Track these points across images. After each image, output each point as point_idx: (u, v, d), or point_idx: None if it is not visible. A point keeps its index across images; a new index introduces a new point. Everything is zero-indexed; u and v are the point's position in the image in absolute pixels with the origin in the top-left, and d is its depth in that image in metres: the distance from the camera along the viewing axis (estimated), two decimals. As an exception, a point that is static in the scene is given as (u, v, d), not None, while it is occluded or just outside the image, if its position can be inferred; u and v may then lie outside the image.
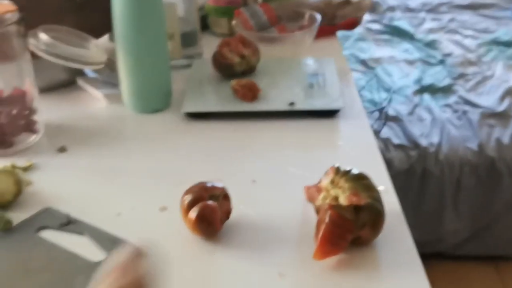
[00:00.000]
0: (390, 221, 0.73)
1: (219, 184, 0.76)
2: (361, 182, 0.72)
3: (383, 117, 1.90)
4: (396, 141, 1.89)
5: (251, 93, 1.01)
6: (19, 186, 0.81)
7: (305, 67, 1.13)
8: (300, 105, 1.00)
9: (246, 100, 1.01)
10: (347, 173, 0.73)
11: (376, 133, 1.88)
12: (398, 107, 2.05)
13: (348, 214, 0.68)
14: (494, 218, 1.92)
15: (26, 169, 0.89)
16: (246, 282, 0.67)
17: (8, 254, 0.73)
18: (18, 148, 0.94)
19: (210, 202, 0.72)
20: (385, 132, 1.92)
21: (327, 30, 1.33)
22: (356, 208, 0.69)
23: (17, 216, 0.78)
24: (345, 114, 1.01)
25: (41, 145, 0.96)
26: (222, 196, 0.74)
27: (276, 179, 0.85)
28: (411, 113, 2.03)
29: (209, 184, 0.75)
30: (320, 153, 0.91)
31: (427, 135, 1.92)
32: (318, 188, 0.76)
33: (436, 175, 1.87)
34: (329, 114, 1.00)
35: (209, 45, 1.20)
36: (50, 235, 0.76)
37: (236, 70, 1.09)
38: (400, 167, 1.86)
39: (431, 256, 1.97)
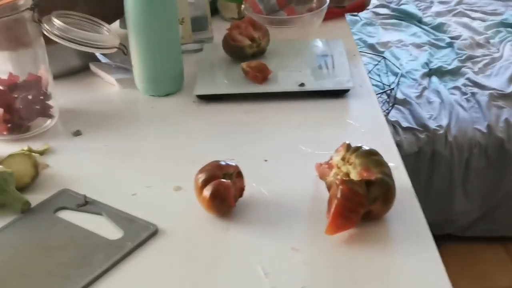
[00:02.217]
0: (400, 196, 0.74)
1: (232, 162, 0.77)
2: (371, 158, 0.73)
3: (391, 99, 1.91)
4: (405, 124, 1.90)
5: (262, 75, 1.02)
6: (37, 169, 0.83)
7: (314, 48, 1.15)
8: (310, 86, 1.01)
9: (257, 81, 1.02)
10: (357, 149, 0.75)
11: (385, 115, 1.89)
12: (406, 90, 2.05)
13: (359, 189, 0.69)
14: (503, 198, 1.93)
15: (42, 152, 0.91)
16: (260, 257, 0.69)
17: (27, 234, 0.75)
18: (34, 132, 0.95)
19: (223, 180, 0.74)
20: (394, 115, 1.93)
21: (335, 12, 1.34)
22: (367, 183, 0.70)
23: (35, 198, 0.80)
24: (355, 94, 1.02)
25: (56, 129, 0.97)
26: (236, 174, 0.76)
27: (288, 157, 0.87)
28: (419, 96, 2.03)
29: (222, 163, 0.76)
30: (331, 131, 0.93)
31: (436, 118, 1.92)
32: (329, 165, 0.78)
33: (446, 157, 1.88)
34: (339, 94, 1.01)
35: (219, 30, 1.21)
36: (68, 215, 0.77)
37: (247, 53, 1.10)
38: (409, 150, 1.87)
39: (441, 237, 1.99)
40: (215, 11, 1.35)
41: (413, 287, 0.65)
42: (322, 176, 0.79)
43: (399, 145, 1.85)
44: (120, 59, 1.13)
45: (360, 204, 0.69)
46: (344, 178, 0.71)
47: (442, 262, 0.68)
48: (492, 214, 1.96)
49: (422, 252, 0.69)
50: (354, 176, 0.73)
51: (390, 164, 0.75)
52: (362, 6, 1.40)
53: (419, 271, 0.66)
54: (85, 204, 0.79)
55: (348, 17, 2.51)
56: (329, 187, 0.76)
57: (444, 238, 1.99)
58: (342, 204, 0.68)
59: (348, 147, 0.76)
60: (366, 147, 0.75)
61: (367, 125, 0.93)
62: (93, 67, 1.13)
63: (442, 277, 0.66)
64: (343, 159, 0.75)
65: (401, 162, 0.84)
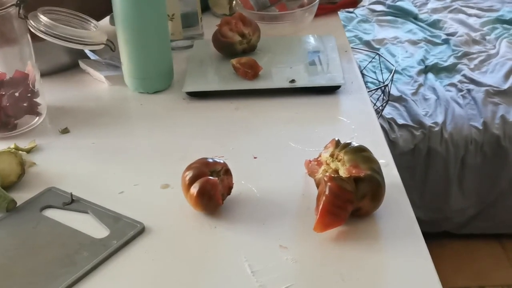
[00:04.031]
0: (390, 193, 0.73)
1: (220, 160, 0.76)
2: (360, 154, 0.73)
3: (386, 95, 1.90)
4: (400, 121, 1.89)
5: (252, 71, 1.01)
6: (23, 167, 0.82)
7: (306, 44, 1.14)
8: (301, 82, 1.00)
9: (247, 78, 1.01)
10: (346, 145, 0.74)
11: (379, 111, 1.88)
12: (402, 87, 2.04)
13: (348, 186, 0.68)
14: (499, 195, 1.92)
15: (29, 150, 0.90)
16: (247, 255, 0.68)
17: (13, 233, 0.74)
18: (21, 130, 0.95)
19: (210, 178, 0.73)
20: (390, 112, 1.92)
21: (327, 8, 1.33)
22: (356, 180, 0.69)
23: (21, 197, 0.79)
24: (346, 90, 1.01)
25: (44, 126, 0.96)
26: (223, 171, 0.75)
27: (277, 154, 0.86)
28: (415, 93, 2.02)
29: (210, 160, 0.75)
30: (321, 128, 0.91)
31: (431, 115, 1.91)
32: (318, 162, 0.77)
33: (441, 154, 1.87)
34: (330, 90, 1.00)
35: (210, 26, 1.20)
36: (54, 214, 0.76)
37: (237, 49, 1.09)
38: (405, 147, 1.86)
39: (438, 235, 1.98)
40: (206, 7, 1.34)
41: (403, 284, 0.64)
42: (311, 173, 0.78)
43: (394, 142, 1.84)
44: (109, 56, 1.12)
45: (348, 201, 0.68)
46: (333, 175, 0.70)
47: (435, 256, 0.67)
48: (488, 211, 1.95)
49: (411, 249, 0.68)
50: (342, 172, 0.72)
51: (381, 161, 0.74)
52: (355, 2, 1.39)
53: (408, 268, 0.65)
54: (72, 203, 0.78)
55: (343, 14, 2.52)
56: (318, 184, 0.75)
57: (440, 236, 1.99)
58: (330, 201, 0.67)
59: (337, 143, 0.75)
60: (355, 144, 0.74)
61: (358, 122, 0.92)
62: (82, 64, 1.12)
63: (431, 274, 0.65)
64: (332, 155, 0.74)
65: (391, 159, 0.83)
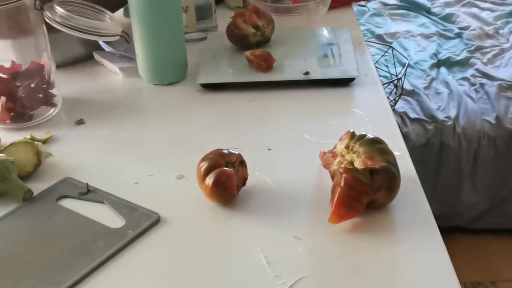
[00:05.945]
0: (405, 185, 0.73)
1: (235, 151, 0.76)
2: (376, 146, 0.72)
3: (399, 89, 1.89)
4: (413, 115, 1.89)
5: (266, 63, 1.01)
6: (39, 157, 0.83)
7: (320, 37, 1.13)
8: (315, 74, 1.00)
9: (261, 70, 1.01)
10: (362, 137, 0.74)
11: (392, 105, 1.88)
12: (415, 81, 2.03)
13: (363, 177, 0.68)
14: (512, 190, 1.91)
15: (45, 141, 0.90)
16: (262, 246, 0.68)
17: (29, 222, 0.74)
18: (37, 121, 0.95)
19: (226, 168, 0.73)
20: (402, 106, 1.92)
21: (341, 0, 1.32)
22: (371, 172, 0.69)
23: (37, 187, 0.79)
24: (360, 83, 1.01)
25: (59, 117, 0.97)
26: (239, 163, 0.75)
27: (292, 146, 0.86)
28: (428, 87, 2.01)
29: (225, 151, 0.76)
30: (335, 120, 0.91)
31: (444, 109, 1.91)
32: (333, 154, 0.77)
33: (454, 148, 1.86)
34: (344, 82, 1.00)
35: (223, 18, 1.20)
36: (70, 204, 0.77)
37: (251, 41, 1.09)
38: (417, 141, 1.86)
39: (450, 229, 1.97)
40: (220, -1, 1.35)
41: (418, 276, 0.64)
42: (326, 165, 0.78)
43: (406, 136, 1.84)
44: (124, 48, 1.13)
45: (363, 192, 0.68)
46: (348, 167, 0.70)
47: (447, 251, 0.67)
48: (500, 206, 1.94)
49: (427, 242, 0.68)
50: (358, 164, 0.72)
51: (396, 153, 0.74)
52: (368, -5, 1.39)
53: (423, 260, 0.65)
54: (87, 193, 0.78)
55: (356, 7, 2.51)
56: (333, 176, 0.75)
57: (452, 230, 1.98)
58: (345, 193, 0.67)
59: (352, 135, 0.75)
60: (370, 135, 0.74)
61: (372, 114, 0.92)
62: (96, 56, 1.12)
63: (447, 267, 0.65)
64: (347, 147, 0.74)
65: (406, 151, 0.82)
